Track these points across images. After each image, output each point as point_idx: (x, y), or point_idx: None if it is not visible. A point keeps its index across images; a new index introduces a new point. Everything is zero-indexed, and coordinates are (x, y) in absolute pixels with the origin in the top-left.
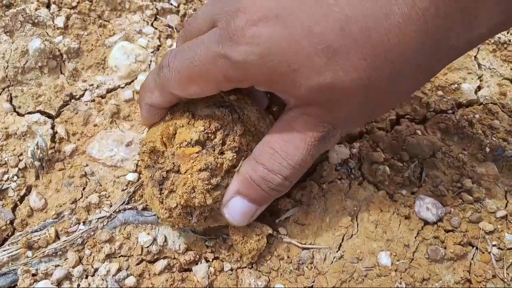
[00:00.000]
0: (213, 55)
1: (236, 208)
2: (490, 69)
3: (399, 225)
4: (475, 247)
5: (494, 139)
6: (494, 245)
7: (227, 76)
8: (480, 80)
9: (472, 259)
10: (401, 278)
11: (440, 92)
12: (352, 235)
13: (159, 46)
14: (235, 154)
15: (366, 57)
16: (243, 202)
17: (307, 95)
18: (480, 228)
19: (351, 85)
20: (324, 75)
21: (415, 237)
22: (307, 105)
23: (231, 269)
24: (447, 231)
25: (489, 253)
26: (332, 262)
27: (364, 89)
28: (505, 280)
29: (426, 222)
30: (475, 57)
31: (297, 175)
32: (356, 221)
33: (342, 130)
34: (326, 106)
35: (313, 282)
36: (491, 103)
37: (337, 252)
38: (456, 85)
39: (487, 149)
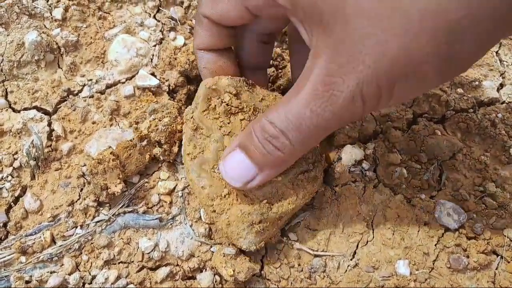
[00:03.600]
0: None
1: (233, 162)
2: None
3: (418, 231)
4: (499, 256)
5: None
6: None
7: None
8: (503, 77)
9: (496, 268)
10: None
11: (460, 90)
12: (367, 242)
13: (162, 39)
14: None
15: None
16: (241, 157)
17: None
18: (505, 236)
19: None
20: None
21: (435, 245)
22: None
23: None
24: (469, 238)
25: None
26: (346, 270)
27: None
28: None
29: (447, 229)
30: (496, 52)
31: (296, 136)
32: (372, 227)
33: (353, 87)
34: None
35: None
36: None
37: (351, 260)
38: (477, 82)
39: (511, 151)
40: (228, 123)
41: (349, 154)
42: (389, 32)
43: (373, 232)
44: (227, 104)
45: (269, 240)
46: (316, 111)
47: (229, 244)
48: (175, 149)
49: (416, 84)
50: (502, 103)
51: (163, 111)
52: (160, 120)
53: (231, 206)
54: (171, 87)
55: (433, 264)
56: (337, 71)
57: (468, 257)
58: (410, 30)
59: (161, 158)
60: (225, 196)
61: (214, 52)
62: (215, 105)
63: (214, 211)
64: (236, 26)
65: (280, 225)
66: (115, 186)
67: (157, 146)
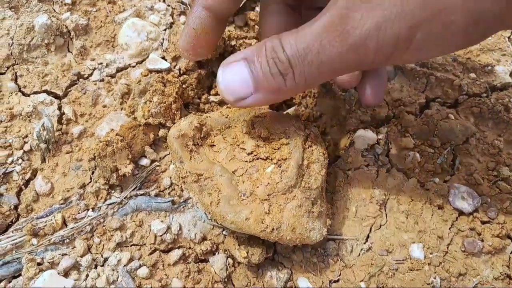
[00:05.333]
0: None
1: (233, 73)
2: None
3: (432, 215)
4: None
5: None
6: None
7: None
8: None
9: (511, 253)
10: (435, 273)
11: (472, 75)
12: (380, 226)
13: (172, 23)
14: None
15: None
16: (243, 69)
17: None
18: None
19: None
20: None
21: (450, 229)
22: None
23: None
24: (483, 222)
25: None
26: (359, 254)
27: None
28: None
29: (461, 213)
30: (508, 38)
31: (300, 69)
32: (385, 210)
33: (370, 25)
34: None
35: (339, 275)
36: None
37: (364, 243)
38: (489, 67)
39: None
40: (216, 151)
41: (362, 138)
42: None
43: (386, 216)
44: (201, 138)
45: (328, 215)
46: (325, 45)
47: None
48: (177, 119)
49: (440, 36)
50: None
51: (149, 89)
52: (150, 101)
53: (282, 212)
54: (181, 71)
55: (447, 248)
56: (359, 5)
57: (482, 240)
58: None
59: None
60: (269, 210)
61: (215, 17)
62: (194, 148)
63: (272, 229)
64: None
65: (324, 195)
66: (125, 167)
67: (160, 128)
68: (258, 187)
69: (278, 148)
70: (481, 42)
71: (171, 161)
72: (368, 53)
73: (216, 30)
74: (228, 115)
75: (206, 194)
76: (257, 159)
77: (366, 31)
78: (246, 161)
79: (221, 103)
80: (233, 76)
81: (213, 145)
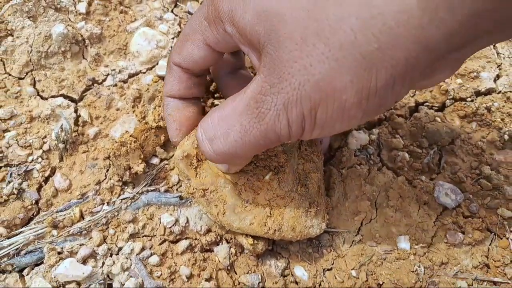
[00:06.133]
0: None
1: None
2: (509, 57)
3: (418, 210)
4: (493, 233)
5: None
6: None
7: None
8: (499, 69)
9: (490, 244)
10: (419, 262)
11: (459, 80)
12: (371, 220)
13: (179, 32)
14: None
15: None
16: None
17: (251, 22)
18: (499, 215)
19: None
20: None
21: (434, 222)
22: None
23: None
24: (465, 216)
25: (507, 239)
26: (351, 245)
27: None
28: None
29: (445, 208)
30: (494, 45)
31: (223, 145)
32: (375, 206)
33: (279, 106)
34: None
35: (332, 264)
36: (510, 91)
37: (356, 235)
38: (475, 73)
39: (506, 137)
40: None
41: (355, 139)
42: (314, 57)
43: (376, 211)
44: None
45: (327, 209)
46: (245, 126)
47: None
48: None
49: (337, 113)
50: (499, 92)
51: (158, 95)
52: (159, 106)
53: (282, 214)
54: None
55: (432, 239)
56: (269, 90)
57: (464, 233)
58: (331, 57)
59: None
60: (270, 213)
61: (182, 100)
62: (198, 164)
63: (274, 230)
64: (204, 73)
65: (322, 193)
66: (138, 165)
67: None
68: (258, 194)
69: (275, 155)
70: (379, 114)
71: None
72: (283, 130)
73: (192, 106)
74: None
75: (213, 206)
76: (257, 167)
77: (278, 110)
78: (247, 171)
79: None
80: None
81: None
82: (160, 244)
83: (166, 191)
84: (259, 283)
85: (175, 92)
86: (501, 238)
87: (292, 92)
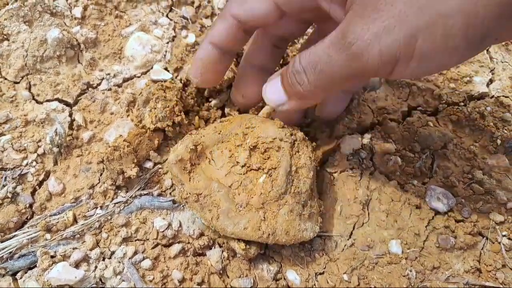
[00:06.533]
0: None
1: (272, 86)
2: (502, 62)
3: (410, 214)
4: (485, 237)
5: (505, 131)
6: (504, 236)
7: None
8: (492, 73)
9: (482, 249)
10: (411, 266)
11: (452, 85)
12: (363, 224)
13: (174, 37)
14: None
15: None
16: (277, 83)
17: None
18: (491, 219)
19: None
20: None
21: (426, 227)
22: None
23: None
24: (457, 221)
25: (499, 243)
26: (343, 249)
27: None
28: None
29: (437, 212)
30: (487, 50)
31: (313, 76)
32: (368, 210)
33: (371, 36)
34: None
35: (324, 268)
36: (503, 96)
37: (348, 239)
38: (468, 78)
39: (498, 141)
40: (213, 167)
41: (348, 143)
42: None
43: (368, 215)
44: (197, 157)
45: (321, 211)
46: (332, 55)
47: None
48: (181, 118)
49: (441, 40)
50: (491, 97)
51: (152, 98)
52: (155, 108)
53: (276, 218)
54: (182, 81)
55: (423, 244)
56: (359, 21)
57: (455, 237)
58: None
59: (175, 133)
60: (264, 217)
61: (219, 51)
62: (191, 169)
63: (268, 235)
64: (257, 27)
65: (315, 195)
66: (131, 170)
67: (166, 129)
68: (252, 197)
69: (268, 158)
70: (481, 51)
71: None
72: (372, 60)
73: (223, 62)
74: (221, 131)
75: (207, 211)
76: (250, 170)
77: (367, 40)
78: (241, 174)
79: (222, 107)
80: (272, 90)
81: (210, 162)
82: (153, 248)
83: (159, 195)
84: (251, 287)
85: (221, 40)
86: (493, 243)
87: (389, 20)
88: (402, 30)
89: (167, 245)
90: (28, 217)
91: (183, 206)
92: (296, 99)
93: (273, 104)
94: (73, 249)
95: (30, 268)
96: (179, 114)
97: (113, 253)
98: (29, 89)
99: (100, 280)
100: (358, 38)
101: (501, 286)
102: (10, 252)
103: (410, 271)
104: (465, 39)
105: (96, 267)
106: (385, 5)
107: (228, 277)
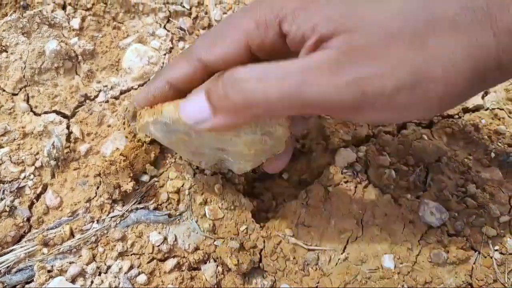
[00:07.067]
0: None
1: (193, 101)
2: None
3: (403, 229)
4: (477, 252)
5: (500, 144)
6: (496, 250)
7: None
8: None
9: (474, 263)
10: (403, 281)
11: None
12: (356, 238)
13: (171, 48)
14: None
15: None
16: (202, 97)
17: None
18: (483, 233)
19: None
20: None
21: (419, 241)
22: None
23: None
24: (450, 235)
25: (491, 257)
26: (336, 264)
27: None
28: (506, 285)
29: (429, 227)
30: None
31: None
32: (361, 224)
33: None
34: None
35: (318, 283)
36: (498, 108)
37: (341, 254)
38: None
39: (493, 154)
40: None
41: (342, 156)
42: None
43: (362, 229)
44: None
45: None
46: (310, 81)
47: (231, 239)
48: None
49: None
50: (486, 109)
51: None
52: None
53: None
54: None
55: (416, 258)
56: (343, 61)
57: (448, 252)
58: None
59: None
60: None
61: (177, 91)
62: None
63: None
64: (224, 69)
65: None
66: (127, 184)
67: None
68: None
69: None
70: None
71: (168, 177)
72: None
73: (175, 99)
74: None
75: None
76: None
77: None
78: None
79: None
80: (191, 104)
81: None
82: (148, 262)
83: (155, 208)
84: None
85: (181, 82)
86: (485, 257)
87: (376, 71)
88: (387, 80)
89: (163, 260)
90: (26, 231)
91: (178, 220)
92: (225, 113)
93: (192, 121)
94: (70, 263)
95: (28, 283)
96: None
97: (109, 267)
98: (27, 101)
99: None
100: (344, 75)
101: None
102: (8, 267)
103: (403, 286)
104: (439, 107)
105: (92, 282)
106: (377, 59)
107: None
